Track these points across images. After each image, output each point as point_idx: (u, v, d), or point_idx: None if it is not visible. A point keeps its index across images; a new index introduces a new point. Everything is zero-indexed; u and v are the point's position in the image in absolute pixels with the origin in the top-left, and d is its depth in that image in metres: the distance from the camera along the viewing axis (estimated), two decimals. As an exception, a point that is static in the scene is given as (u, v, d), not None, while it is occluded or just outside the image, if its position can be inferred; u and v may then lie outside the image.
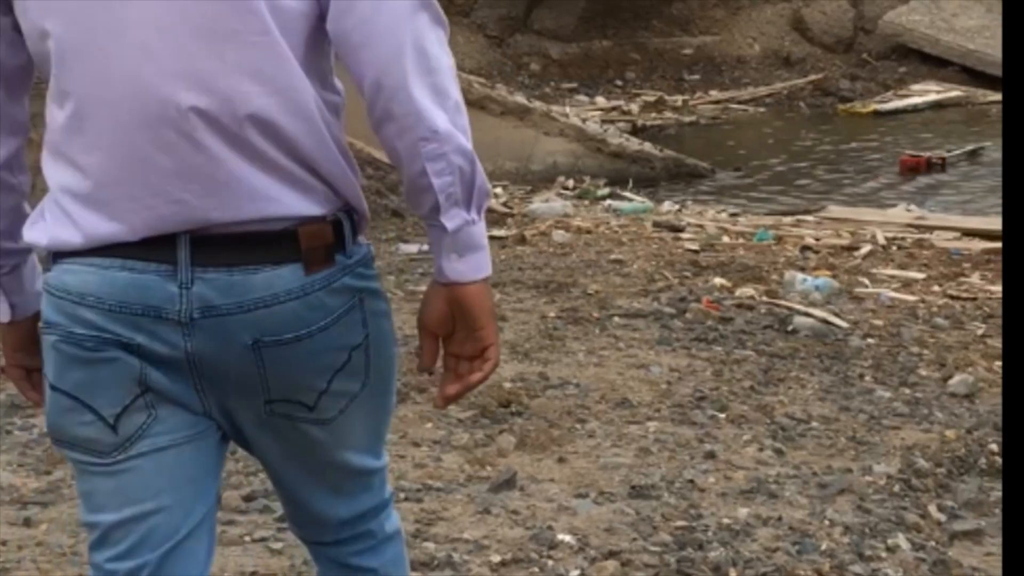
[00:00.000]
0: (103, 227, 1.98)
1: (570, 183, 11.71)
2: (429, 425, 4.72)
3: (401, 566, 2.36)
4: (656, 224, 9.40)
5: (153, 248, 1.97)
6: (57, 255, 2.04)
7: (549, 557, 3.77)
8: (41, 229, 2.05)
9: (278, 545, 3.80)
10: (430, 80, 1.94)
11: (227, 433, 2.13)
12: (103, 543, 2.07)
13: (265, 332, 2.00)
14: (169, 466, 2.05)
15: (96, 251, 1.99)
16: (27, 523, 3.89)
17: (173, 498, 2.06)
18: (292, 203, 1.99)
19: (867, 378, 5.50)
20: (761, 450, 4.60)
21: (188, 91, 1.94)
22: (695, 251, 8.32)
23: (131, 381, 2.01)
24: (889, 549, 3.86)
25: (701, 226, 9.48)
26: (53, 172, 2.04)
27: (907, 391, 5.34)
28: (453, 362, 2.12)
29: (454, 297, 2.05)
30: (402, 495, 4.06)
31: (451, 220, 2.00)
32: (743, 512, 4.06)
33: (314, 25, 1.98)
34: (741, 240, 8.93)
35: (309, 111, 1.98)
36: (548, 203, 10.43)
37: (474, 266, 2.03)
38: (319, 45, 2.01)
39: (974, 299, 6.99)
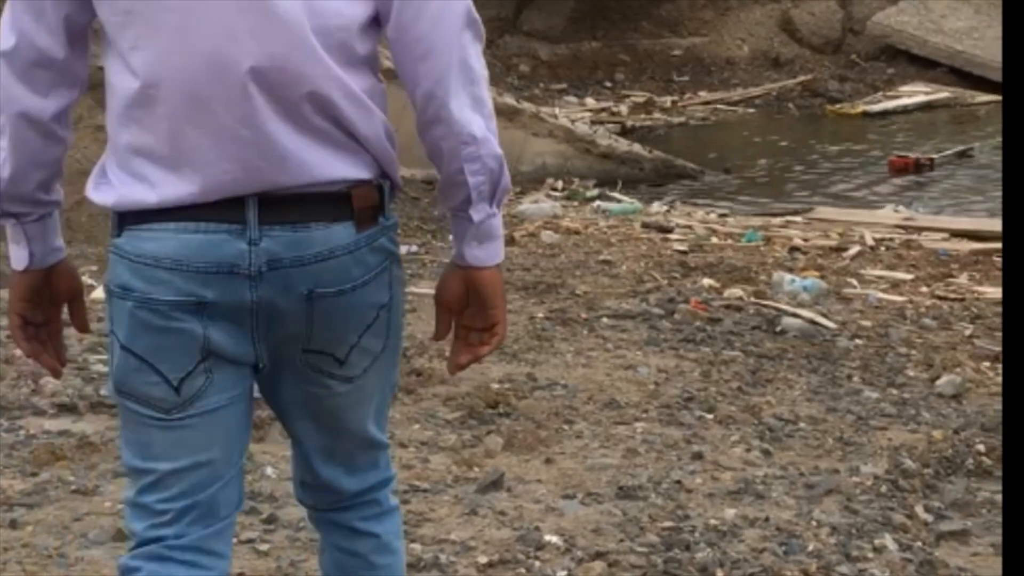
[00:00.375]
0: (178, 188, 2.20)
1: (559, 184, 11.71)
2: (416, 426, 4.71)
3: (399, 539, 2.60)
4: (645, 225, 9.40)
5: (224, 210, 2.21)
6: (125, 219, 2.25)
7: (536, 558, 3.77)
8: (107, 191, 2.26)
9: (264, 547, 3.80)
10: (471, 91, 2.24)
11: (265, 389, 2.39)
12: (155, 487, 2.32)
13: (319, 284, 2.25)
14: (219, 423, 2.32)
15: (169, 214, 2.21)
16: (13, 525, 3.88)
17: (221, 450, 2.34)
18: (345, 168, 2.25)
19: (855, 379, 5.50)
20: (748, 451, 4.60)
21: (264, 70, 2.17)
22: (684, 252, 8.32)
23: (195, 349, 2.25)
24: (876, 550, 3.87)
25: (690, 227, 9.48)
26: (122, 135, 2.24)
27: (895, 392, 5.34)
28: (464, 334, 2.38)
29: (471, 279, 2.33)
30: (389, 496, 4.05)
31: (478, 213, 2.29)
32: (730, 513, 4.07)
33: (369, 24, 2.25)
34: (729, 241, 8.94)
35: (362, 97, 2.25)
36: (537, 204, 10.43)
37: (491, 253, 2.33)
38: (373, 42, 2.27)
39: (962, 300, 7.00)
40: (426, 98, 2.23)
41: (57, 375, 2.53)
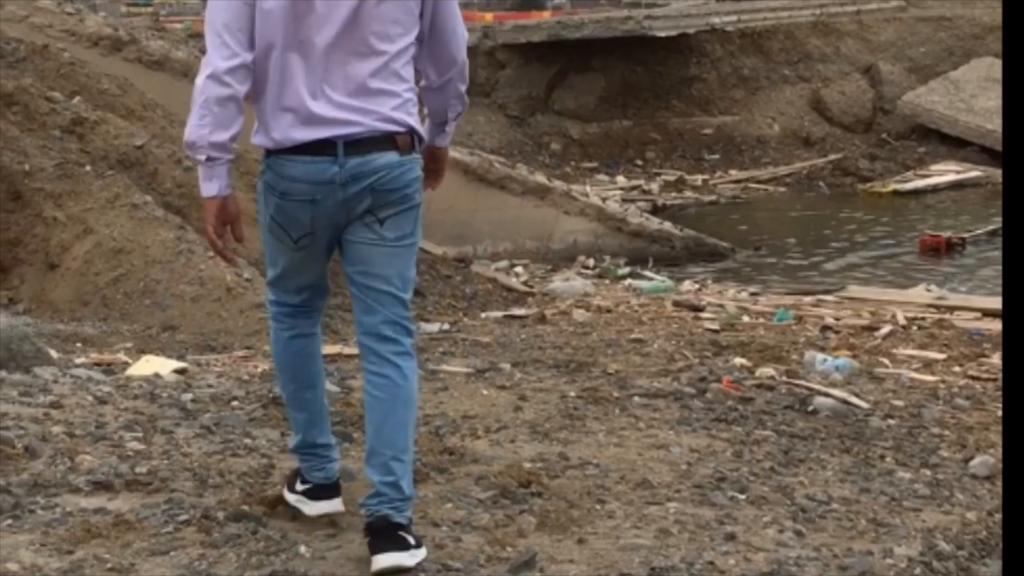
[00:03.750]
0: (302, 136, 3.97)
1: (590, 262, 11.77)
2: (449, 505, 4.71)
3: (414, 374, 4.13)
4: (676, 303, 9.43)
5: (324, 148, 3.96)
6: (269, 152, 4.02)
7: (569, 639, 3.75)
8: (261, 138, 4.03)
9: (298, 626, 3.80)
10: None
11: (344, 245, 4.10)
12: (283, 278, 4.22)
13: (380, 185, 4.00)
14: (315, 257, 4.15)
15: (294, 150, 3.96)
16: (48, 602, 3.89)
17: (315, 273, 4.22)
18: (391, 127, 4.01)
19: (888, 459, 5.48)
20: (781, 531, 4.58)
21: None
22: (715, 331, 8.33)
23: (305, 225, 4.03)
24: (910, 632, 3.84)
25: (721, 305, 9.50)
26: (271, 108, 4.02)
27: (928, 472, 5.32)
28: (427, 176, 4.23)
29: (436, 153, 4.32)
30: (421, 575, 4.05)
31: (450, 126, 4.33)
32: (763, 594, 4.05)
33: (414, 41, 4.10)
34: (761, 320, 8.95)
35: (410, 101, 4.08)
36: (568, 282, 10.48)
37: (448, 141, 4.36)
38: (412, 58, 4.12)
39: (995, 379, 6.97)
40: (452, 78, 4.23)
41: (233, 263, 4.15)
